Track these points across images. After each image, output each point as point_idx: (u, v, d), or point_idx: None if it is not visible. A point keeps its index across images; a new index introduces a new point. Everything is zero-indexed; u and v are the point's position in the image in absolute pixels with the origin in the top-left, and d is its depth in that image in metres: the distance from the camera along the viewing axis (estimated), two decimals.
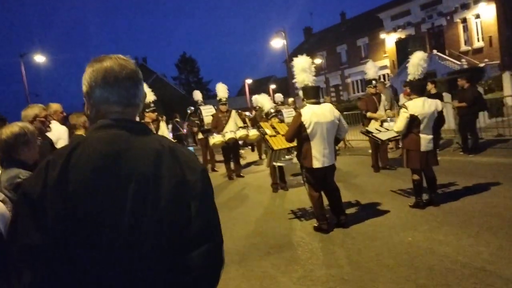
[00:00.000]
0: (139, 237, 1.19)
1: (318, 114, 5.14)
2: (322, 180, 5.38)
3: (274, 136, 6.37)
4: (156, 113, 7.41)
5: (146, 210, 1.20)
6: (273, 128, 6.69)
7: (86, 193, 1.18)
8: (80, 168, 1.21)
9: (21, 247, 1.19)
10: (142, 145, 1.27)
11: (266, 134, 6.33)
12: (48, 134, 3.92)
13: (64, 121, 4.82)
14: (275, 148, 6.04)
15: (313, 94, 5.41)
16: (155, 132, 7.11)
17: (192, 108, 13.17)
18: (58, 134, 4.35)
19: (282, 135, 6.31)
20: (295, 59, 5.55)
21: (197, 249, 1.23)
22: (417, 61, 5.60)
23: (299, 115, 5.21)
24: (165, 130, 7.37)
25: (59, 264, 1.17)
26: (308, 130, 5.10)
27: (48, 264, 1.17)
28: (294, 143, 5.65)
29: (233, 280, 4.24)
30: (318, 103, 5.35)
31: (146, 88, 7.60)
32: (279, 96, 12.36)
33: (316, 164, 5.18)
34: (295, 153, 5.83)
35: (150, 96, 7.56)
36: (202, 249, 1.24)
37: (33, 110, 3.89)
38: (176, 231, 1.22)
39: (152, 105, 7.45)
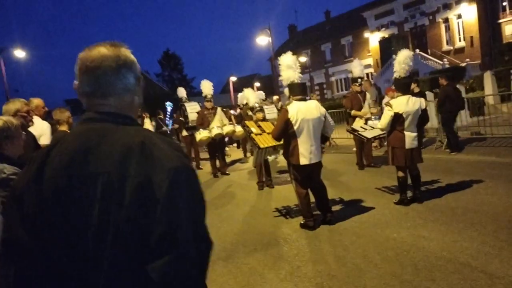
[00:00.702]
0: (101, 243, 1.10)
1: (305, 111, 5.15)
2: (309, 177, 5.40)
3: (260, 134, 6.36)
4: (139, 109, 7.31)
5: (109, 214, 1.09)
6: (259, 126, 6.69)
7: (54, 191, 1.14)
8: (53, 165, 1.17)
9: (4, 240, 1.20)
10: (114, 140, 1.16)
11: (252, 132, 6.31)
12: (30, 129, 3.84)
13: (45, 117, 4.72)
14: (261, 146, 6.03)
15: (300, 90, 5.41)
16: None
17: (171, 104, 13.09)
18: (41, 129, 4.26)
19: (268, 134, 6.30)
20: (281, 56, 5.55)
21: (156, 260, 1.06)
22: (402, 59, 5.65)
23: (285, 111, 5.20)
24: (149, 127, 7.28)
25: (34, 260, 1.16)
26: (295, 127, 5.10)
27: (26, 259, 1.16)
28: (281, 142, 5.65)
29: (220, 276, 4.22)
30: (304, 99, 5.35)
31: None
32: (260, 94, 12.37)
33: (303, 161, 5.19)
34: (281, 151, 5.83)
35: None
36: (161, 262, 1.06)
37: (15, 105, 3.81)
38: (138, 239, 1.08)
39: None
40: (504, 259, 3.82)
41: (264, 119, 7.86)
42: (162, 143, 1.18)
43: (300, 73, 5.53)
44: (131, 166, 1.10)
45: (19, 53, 25.25)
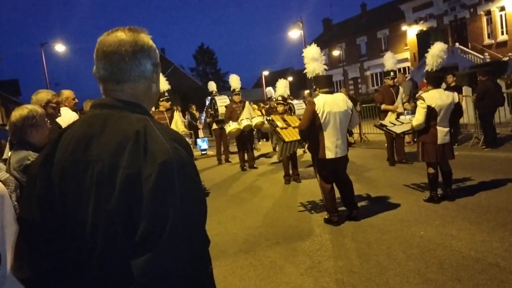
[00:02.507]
0: (95, 232, 1.10)
1: (331, 104, 5.06)
2: (334, 172, 5.31)
3: (285, 128, 6.33)
4: (170, 102, 7.42)
5: (101, 203, 1.09)
6: (284, 120, 6.65)
7: (61, 173, 1.17)
8: (62, 148, 1.20)
9: (20, 220, 1.28)
10: (115, 129, 1.15)
11: (277, 126, 6.29)
12: (58, 120, 3.95)
13: (76, 108, 4.86)
14: (286, 140, 5.99)
15: (326, 83, 5.33)
16: (169, 122, 7.20)
17: (210, 98, 13.22)
18: (68, 120, 4.38)
19: (294, 128, 6.26)
20: (304, 49, 5.48)
21: (138, 258, 1.03)
22: (436, 52, 5.45)
23: (312, 103, 5.13)
24: (178, 120, 7.38)
25: (44, 239, 1.20)
26: (322, 119, 5.03)
27: (37, 236, 1.21)
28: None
29: (241, 268, 4.23)
30: (331, 92, 5.27)
31: (161, 77, 7.69)
32: (269, 91, 12.34)
33: (329, 154, 5.11)
34: (307, 145, 5.76)
35: (164, 85, 7.57)
36: (141, 259, 1.03)
37: (45, 95, 3.92)
38: (125, 232, 1.06)
39: (166, 94, 7.46)
40: None
41: (285, 112, 7.81)
42: (161, 135, 1.14)
43: (328, 66, 5.45)
44: (123, 157, 1.09)
45: (60, 47, 26.11)
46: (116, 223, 1.07)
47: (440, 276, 3.59)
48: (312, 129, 5.18)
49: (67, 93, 4.79)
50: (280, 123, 6.35)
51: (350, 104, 5.29)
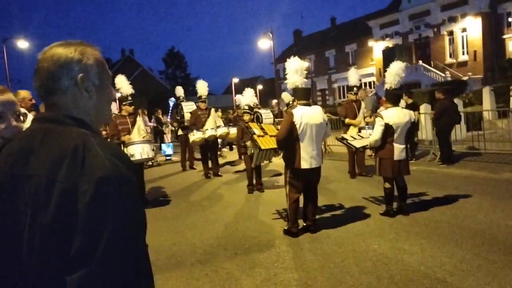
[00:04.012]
0: (30, 248, 1.08)
1: (309, 116, 5.16)
2: (306, 183, 5.39)
3: (262, 136, 6.38)
4: (132, 107, 7.31)
5: (37, 219, 1.07)
6: (262, 129, 6.71)
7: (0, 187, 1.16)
8: (1, 162, 1.19)
9: None
10: (53, 143, 1.14)
11: (254, 134, 6.33)
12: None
13: (33, 109, 4.71)
14: (262, 147, 6.04)
15: (305, 95, 5.42)
16: (131, 126, 7.09)
17: (174, 99, 13.11)
18: (27, 122, 4.25)
19: (270, 136, 6.32)
20: (288, 60, 5.55)
21: (72, 274, 1.03)
22: (395, 70, 5.65)
23: (290, 114, 5.21)
24: (141, 125, 7.27)
25: None
26: (299, 131, 5.11)
27: None
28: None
29: (196, 280, 4.21)
30: (309, 104, 5.37)
31: (124, 81, 7.59)
32: (238, 99, 12.44)
33: (304, 164, 5.18)
34: (281, 155, 5.82)
35: (128, 89, 7.47)
36: (76, 276, 1.02)
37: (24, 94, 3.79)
38: (61, 248, 1.05)
39: (129, 98, 7.35)
40: (480, 277, 3.80)
41: (251, 121, 7.88)
42: (101, 150, 1.12)
43: (304, 78, 5.55)
44: (60, 171, 1.08)
45: (22, 44, 25.27)
46: (52, 238, 1.06)
47: None
48: (289, 139, 5.25)
49: (23, 93, 4.64)
50: (257, 131, 6.40)
51: (325, 117, 5.43)
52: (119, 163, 1.13)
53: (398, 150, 5.62)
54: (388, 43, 34.90)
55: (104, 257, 1.03)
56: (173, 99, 13.83)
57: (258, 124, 7.25)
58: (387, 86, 5.75)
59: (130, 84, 7.70)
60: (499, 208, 5.91)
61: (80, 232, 1.03)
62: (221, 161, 12.60)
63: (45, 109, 1.27)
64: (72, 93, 1.25)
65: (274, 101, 15.33)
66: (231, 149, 16.30)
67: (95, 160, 1.09)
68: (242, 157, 8.50)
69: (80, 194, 1.04)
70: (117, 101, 9.61)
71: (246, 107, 8.28)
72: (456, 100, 11.60)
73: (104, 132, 9.09)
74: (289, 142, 5.26)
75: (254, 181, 8.21)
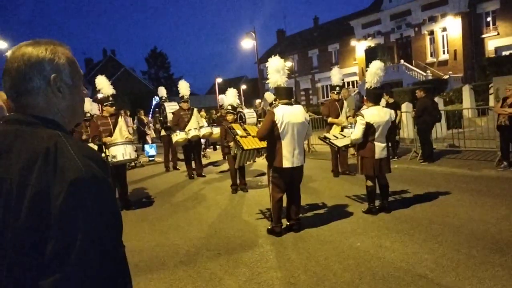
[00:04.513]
0: (1, 254, 1.05)
1: (290, 115, 5.17)
2: (290, 182, 5.40)
3: (245, 137, 6.37)
4: (114, 107, 7.23)
5: (9, 222, 1.05)
6: (244, 129, 6.71)
7: None
8: None
9: None
10: (24, 145, 1.11)
11: (237, 134, 6.32)
12: None
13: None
14: (245, 148, 6.04)
15: (286, 94, 5.43)
16: (112, 127, 7.01)
17: (158, 98, 13.03)
18: None
19: (253, 137, 6.32)
20: (269, 59, 5.55)
21: (45, 279, 1.01)
22: (374, 70, 5.70)
23: (272, 113, 5.21)
24: (123, 126, 7.19)
25: None
26: (280, 130, 5.11)
27: None
28: (264, 144, 5.65)
29: (179, 281, 4.18)
30: (291, 104, 5.38)
31: (105, 81, 7.51)
32: (221, 99, 12.44)
33: (286, 163, 5.19)
34: (265, 154, 5.83)
35: (109, 90, 7.39)
36: (49, 281, 1.00)
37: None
38: (33, 252, 1.03)
39: (110, 99, 7.27)
40: (460, 272, 3.87)
41: (235, 121, 7.89)
42: (74, 151, 1.11)
43: (286, 77, 5.56)
44: (32, 174, 1.05)
45: (1, 44, 24.72)
46: (24, 242, 1.04)
47: (372, 287, 3.72)
48: (270, 138, 5.26)
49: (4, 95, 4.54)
50: (240, 132, 6.39)
51: (307, 116, 5.44)
52: (92, 164, 1.12)
53: (379, 148, 5.68)
54: (370, 42, 35.23)
55: (79, 260, 1.02)
56: (157, 98, 13.78)
57: (241, 124, 7.25)
58: (367, 85, 5.81)
59: (112, 84, 7.63)
60: (478, 204, 6.02)
61: (53, 235, 1.02)
62: (205, 161, 12.57)
63: (15, 110, 1.23)
64: (44, 93, 1.22)
65: (258, 101, 15.33)
66: (214, 149, 16.26)
67: (68, 162, 1.08)
68: (226, 157, 8.47)
69: (53, 197, 1.03)
70: (98, 102, 9.49)
71: (229, 107, 8.27)
72: (436, 99, 11.81)
73: (84, 136, 8.98)
74: (270, 141, 5.28)
75: (238, 181, 8.20)
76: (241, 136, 6.33)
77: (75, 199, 1.04)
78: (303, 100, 41.81)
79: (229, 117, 8.02)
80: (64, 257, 1.01)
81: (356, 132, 5.80)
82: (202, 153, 12.86)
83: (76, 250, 1.02)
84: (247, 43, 22.30)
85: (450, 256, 4.25)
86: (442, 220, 5.41)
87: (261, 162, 9.90)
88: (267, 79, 5.68)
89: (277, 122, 5.11)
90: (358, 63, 36.45)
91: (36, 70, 1.20)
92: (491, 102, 11.36)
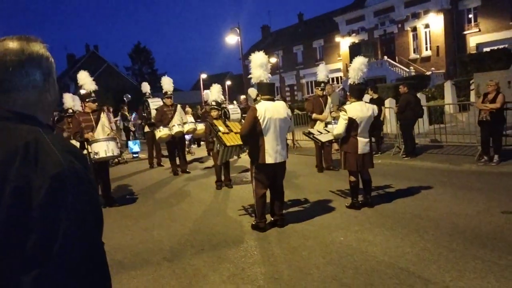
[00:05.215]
0: None
1: (272, 110, 5.17)
2: (273, 178, 5.40)
3: (227, 133, 6.35)
4: (96, 104, 7.13)
5: None
6: (227, 126, 6.69)
7: None
8: None
9: None
10: (3, 141, 1.09)
11: (219, 131, 6.29)
12: None
13: None
14: (227, 144, 6.01)
15: (268, 90, 5.43)
16: (95, 124, 6.92)
17: (129, 96, 12.93)
18: None
19: (235, 133, 6.30)
20: (252, 55, 5.54)
21: (26, 274, 1.00)
22: (357, 65, 5.74)
23: (254, 109, 5.21)
24: (105, 122, 7.10)
25: None
26: (262, 125, 5.11)
27: None
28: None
29: (163, 277, 4.16)
30: (273, 99, 5.38)
31: (87, 77, 7.41)
32: (206, 94, 12.41)
33: (269, 159, 5.19)
34: (247, 151, 5.82)
35: (91, 86, 7.29)
36: (30, 275, 1.00)
37: None
38: (13, 248, 1.02)
39: (93, 95, 7.17)
40: (441, 265, 3.93)
41: (219, 118, 7.86)
42: (54, 146, 1.10)
43: (270, 73, 5.55)
44: (12, 170, 1.04)
45: None
46: (5, 237, 1.02)
47: (355, 281, 3.76)
48: (253, 134, 5.25)
49: None
50: (222, 128, 6.37)
51: (289, 111, 5.45)
52: (74, 159, 1.12)
53: (362, 143, 5.73)
54: (354, 39, 35.47)
55: (61, 255, 1.02)
56: (128, 95, 13.70)
57: (224, 121, 7.23)
58: (350, 81, 5.85)
59: (94, 80, 7.53)
60: (459, 198, 6.12)
61: (35, 230, 1.01)
62: (189, 158, 12.51)
63: None
64: (39, 89, 1.23)
65: (243, 97, 15.30)
66: (198, 145, 16.20)
67: (49, 157, 1.07)
68: (211, 153, 8.45)
69: (34, 192, 1.02)
70: (80, 98, 9.36)
71: (214, 103, 8.24)
72: (419, 95, 11.94)
73: (66, 133, 8.84)
74: (253, 137, 5.27)
75: (223, 177, 8.19)
76: (223, 133, 6.32)
77: (56, 193, 1.04)
78: (288, 96, 41.89)
79: (214, 113, 7.99)
80: (46, 251, 1.01)
81: (338, 128, 5.84)
82: (187, 149, 12.81)
83: (58, 245, 1.02)
84: (232, 39, 22.20)
85: (431, 250, 4.32)
86: (423, 214, 5.49)
87: (246, 158, 9.90)
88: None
89: (259, 118, 5.11)
90: (342, 59, 36.65)
91: (37, 67, 1.22)
92: (472, 97, 11.57)
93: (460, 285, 3.52)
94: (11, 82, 1.18)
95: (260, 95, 5.51)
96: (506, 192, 6.26)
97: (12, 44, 1.19)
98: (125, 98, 13.55)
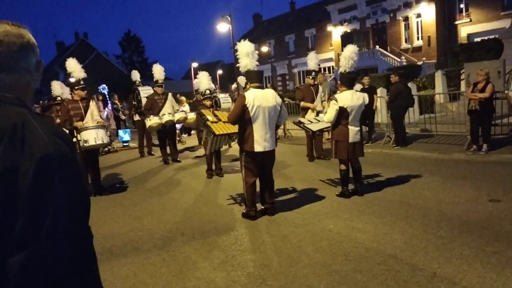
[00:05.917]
0: None
1: (261, 98, 5.16)
2: (262, 166, 5.41)
3: (216, 122, 6.34)
4: (85, 91, 7.05)
5: None
6: (215, 115, 6.67)
7: None
8: None
9: None
10: None
11: (208, 120, 6.27)
12: None
13: None
14: (217, 133, 6.00)
15: (257, 78, 5.41)
16: (84, 112, 6.85)
17: (105, 86, 12.94)
18: None
19: (224, 122, 6.28)
20: (238, 43, 5.51)
21: (14, 256, 1.00)
22: (348, 54, 5.74)
23: (243, 97, 5.19)
24: (94, 110, 7.04)
25: None
26: (251, 113, 5.10)
27: None
28: (236, 129, 5.63)
29: (153, 265, 4.17)
30: (262, 87, 5.37)
31: (76, 65, 7.32)
32: (197, 83, 12.36)
33: (258, 147, 5.19)
34: (236, 140, 5.82)
35: (80, 73, 7.21)
36: (18, 258, 1.00)
37: None
38: (2, 229, 1.02)
39: (82, 82, 7.09)
40: (429, 252, 3.99)
41: (211, 106, 7.83)
42: (42, 129, 1.10)
43: (261, 63, 5.54)
44: None
45: None
46: None
47: (344, 267, 3.80)
48: (241, 122, 5.24)
49: None
50: (210, 117, 6.35)
51: (279, 100, 5.43)
52: (60, 141, 1.13)
53: (353, 132, 5.75)
54: (346, 28, 35.35)
55: (48, 238, 1.02)
56: (104, 85, 13.69)
57: (215, 109, 7.21)
58: (341, 70, 5.85)
59: (84, 68, 7.45)
60: (447, 187, 6.19)
61: (22, 213, 1.01)
62: (180, 147, 12.48)
63: None
64: (31, 74, 1.26)
65: (234, 86, 15.23)
66: (189, 134, 16.14)
67: (36, 139, 1.08)
68: (202, 142, 8.43)
69: (22, 174, 1.02)
70: (69, 86, 9.26)
71: (208, 92, 8.18)
72: (410, 84, 11.97)
73: (57, 120, 8.75)
74: (242, 125, 5.27)
75: (214, 166, 8.18)
76: (212, 122, 6.31)
77: (44, 175, 1.04)
78: (280, 85, 41.79)
79: (207, 102, 7.94)
80: (34, 233, 1.01)
81: (328, 116, 5.85)
82: (178, 138, 12.76)
83: (45, 227, 1.02)
84: (223, 27, 22.03)
85: (419, 237, 4.37)
86: (412, 202, 5.55)
87: (236, 148, 9.89)
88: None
89: (248, 105, 5.10)
90: (334, 49, 36.53)
91: (33, 52, 1.25)
92: (463, 87, 11.65)
93: (447, 271, 3.57)
94: (8, 63, 1.19)
95: (249, 83, 5.49)
96: (494, 181, 6.34)
97: (10, 28, 1.20)
98: (101, 89, 13.48)
